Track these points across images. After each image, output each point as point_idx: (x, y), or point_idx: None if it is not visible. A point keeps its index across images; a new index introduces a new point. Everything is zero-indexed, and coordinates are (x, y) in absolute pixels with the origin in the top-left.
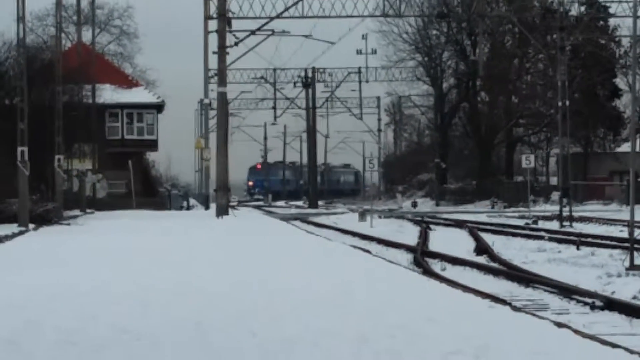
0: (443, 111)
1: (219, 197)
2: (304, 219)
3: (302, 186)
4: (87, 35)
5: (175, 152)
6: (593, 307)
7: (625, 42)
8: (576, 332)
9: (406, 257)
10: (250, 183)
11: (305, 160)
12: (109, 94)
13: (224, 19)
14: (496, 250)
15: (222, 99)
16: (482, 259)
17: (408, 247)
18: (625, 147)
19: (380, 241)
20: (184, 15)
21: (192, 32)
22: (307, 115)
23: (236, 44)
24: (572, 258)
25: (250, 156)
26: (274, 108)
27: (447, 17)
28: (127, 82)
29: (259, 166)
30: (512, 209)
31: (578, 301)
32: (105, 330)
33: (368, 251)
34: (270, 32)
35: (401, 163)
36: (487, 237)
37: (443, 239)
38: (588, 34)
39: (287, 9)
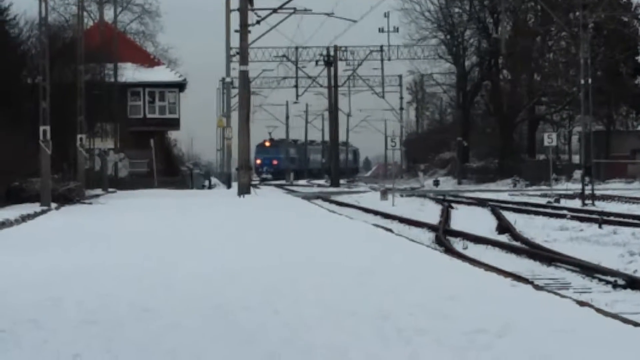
0: (465, 89)
1: (241, 176)
2: (326, 197)
3: (308, 164)
4: (109, 14)
5: (197, 131)
6: (615, 285)
7: None
8: (598, 310)
9: (428, 236)
10: (258, 161)
11: (310, 137)
12: (130, 72)
13: None
14: (518, 229)
15: (244, 77)
16: (504, 238)
17: (430, 225)
18: None
19: (402, 220)
20: None
21: (213, 10)
22: (329, 93)
23: (258, 22)
24: (594, 236)
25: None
26: (296, 87)
27: None
28: (149, 60)
29: (268, 143)
30: (534, 187)
31: (600, 280)
32: (125, 308)
33: (390, 230)
34: (292, 10)
35: (423, 141)
36: (509, 216)
37: (465, 218)
38: (611, 12)
39: None
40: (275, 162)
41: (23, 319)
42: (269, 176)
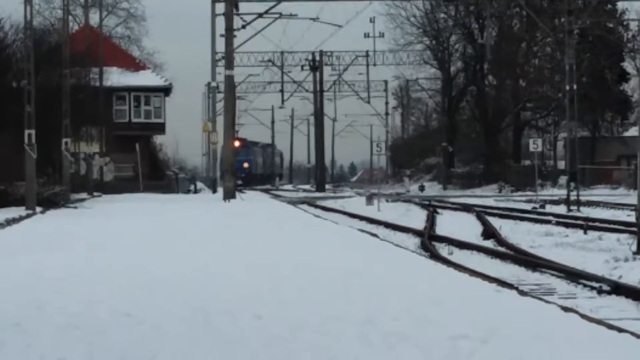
0: (450, 95)
1: (227, 180)
2: (311, 202)
3: (275, 169)
4: (94, 18)
5: (183, 136)
6: (600, 291)
7: (633, 25)
8: (583, 316)
9: (413, 241)
10: None
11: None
12: (116, 77)
13: (231, 1)
14: (503, 235)
15: (230, 82)
16: (489, 243)
17: (415, 231)
18: (633, 131)
19: (387, 225)
20: None
21: (199, 15)
22: (314, 98)
23: (243, 27)
24: (579, 242)
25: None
26: (282, 91)
27: (454, 0)
28: (135, 65)
29: (237, 143)
30: (520, 193)
31: (585, 285)
32: (108, 313)
33: (375, 235)
34: (277, 15)
35: (408, 147)
36: (495, 221)
37: (450, 223)
38: (596, 18)
39: None
40: (246, 164)
41: (7, 323)
42: (240, 182)
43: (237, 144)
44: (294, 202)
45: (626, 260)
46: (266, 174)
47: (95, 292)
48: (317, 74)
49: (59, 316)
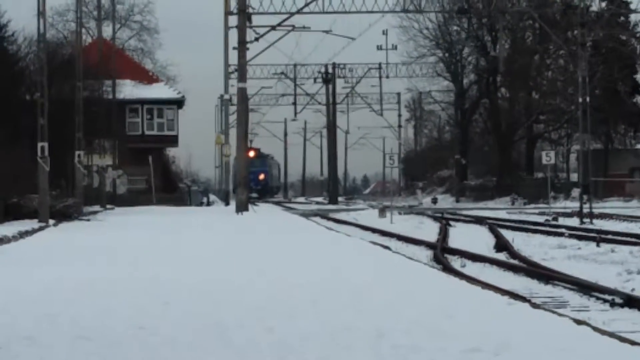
0: (463, 107)
1: (239, 193)
2: (324, 215)
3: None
4: (107, 31)
5: (196, 148)
6: (613, 304)
7: None
8: (595, 329)
9: (426, 254)
10: None
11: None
12: (129, 89)
13: (244, 14)
14: (516, 247)
15: (242, 94)
16: (501, 256)
17: (428, 243)
18: None
19: (400, 237)
20: (204, 11)
21: (212, 27)
22: (327, 111)
23: (256, 39)
24: (592, 255)
25: (271, 152)
26: (294, 104)
27: (467, 12)
28: (148, 77)
29: (252, 153)
30: (532, 205)
31: (598, 298)
32: (121, 326)
33: (388, 247)
34: (290, 28)
35: (421, 159)
36: (507, 234)
37: (463, 236)
38: (609, 30)
39: (307, 4)
40: (262, 176)
41: (19, 336)
42: (255, 194)
43: (251, 154)
44: (306, 215)
45: (639, 273)
46: (280, 186)
47: (109, 304)
48: (330, 86)
49: (71, 328)
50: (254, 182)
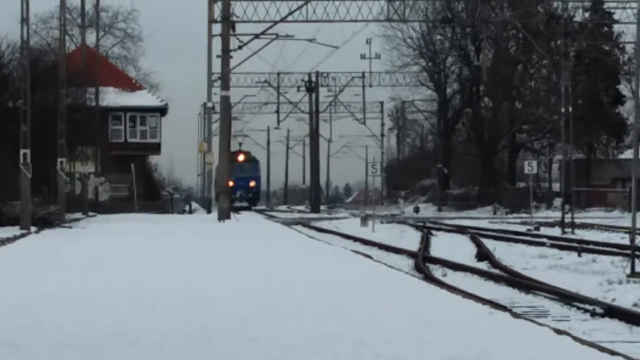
0: (446, 116)
1: (221, 201)
2: (305, 223)
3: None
4: (91, 38)
5: (178, 156)
6: (593, 314)
7: (629, 48)
8: (576, 339)
9: (407, 263)
10: (231, 183)
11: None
12: (112, 97)
13: (228, 22)
14: (497, 256)
15: (225, 102)
16: (483, 265)
17: (409, 252)
18: (628, 154)
19: (381, 246)
20: (188, 19)
21: (196, 35)
22: (310, 119)
23: (240, 47)
24: (573, 265)
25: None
26: (277, 112)
27: (451, 22)
28: (131, 85)
29: (242, 157)
30: (514, 215)
31: (579, 308)
32: (104, 333)
33: (369, 256)
34: (274, 36)
35: (404, 168)
36: (489, 243)
37: (444, 245)
38: (592, 40)
39: (291, 13)
40: (252, 183)
41: (2, 342)
42: (245, 203)
43: (241, 157)
44: (288, 223)
45: (620, 282)
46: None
47: (91, 311)
48: (313, 94)
49: (55, 336)
50: (244, 190)
